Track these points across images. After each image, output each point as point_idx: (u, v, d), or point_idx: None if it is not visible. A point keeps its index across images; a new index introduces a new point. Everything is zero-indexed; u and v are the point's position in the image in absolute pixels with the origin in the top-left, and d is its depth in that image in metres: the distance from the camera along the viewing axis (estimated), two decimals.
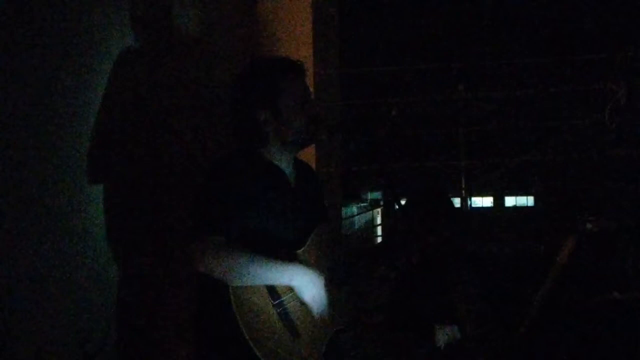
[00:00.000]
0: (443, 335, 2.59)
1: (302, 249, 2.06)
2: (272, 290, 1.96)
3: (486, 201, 25.99)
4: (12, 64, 1.88)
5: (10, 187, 1.87)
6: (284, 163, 2.14)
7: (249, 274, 1.91)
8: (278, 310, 1.95)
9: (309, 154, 2.76)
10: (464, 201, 5.88)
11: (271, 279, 1.95)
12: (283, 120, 2.08)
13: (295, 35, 3.44)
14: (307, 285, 1.97)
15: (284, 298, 1.97)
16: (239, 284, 1.89)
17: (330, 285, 2.05)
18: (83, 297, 2.12)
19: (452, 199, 2.70)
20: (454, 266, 2.55)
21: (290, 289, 1.98)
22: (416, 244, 2.20)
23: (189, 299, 2.10)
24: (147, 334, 2.43)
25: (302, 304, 1.99)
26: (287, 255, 2.02)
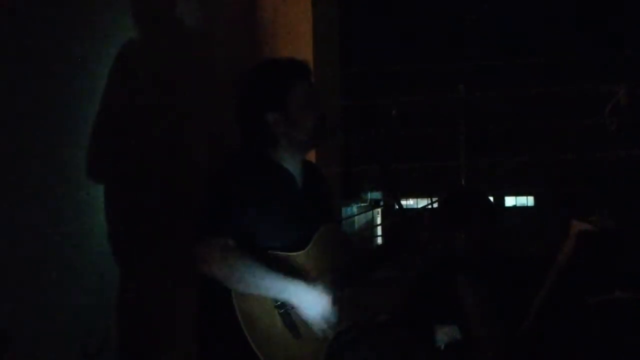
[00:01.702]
0: (443, 335, 2.58)
1: (306, 249, 2.06)
2: None
3: None
4: (12, 62, 1.87)
5: (10, 187, 1.87)
6: (292, 165, 2.13)
7: (251, 284, 1.91)
8: (280, 312, 1.95)
9: (309, 154, 2.75)
10: None
11: (273, 293, 1.94)
12: (293, 121, 2.07)
13: (295, 35, 3.43)
14: (307, 305, 1.97)
15: None
16: (239, 291, 1.89)
17: (334, 290, 2.04)
18: (83, 297, 2.12)
19: (490, 199, 2.66)
20: (475, 269, 2.52)
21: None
22: (440, 243, 2.18)
23: (191, 299, 2.10)
24: (147, 334, 2.43)
25: None
26: (292, 258, 2.02)
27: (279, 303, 1.95)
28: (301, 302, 1.96)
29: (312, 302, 1.97)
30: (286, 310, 1.95)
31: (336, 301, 2.03)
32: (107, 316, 2.23)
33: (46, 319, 1.97)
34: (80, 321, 2.10)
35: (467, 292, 2.48)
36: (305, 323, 1.98)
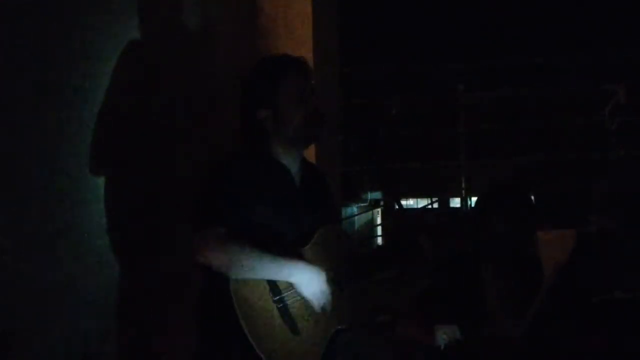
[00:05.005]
0: (443, 335, 2.58)
1: (305, 247, 2.06)
2: (273, 286, 1.96)
3: None
4: (13, 58, 1.88)
5: (10, 188, 1.87)
6: (290, 162, 2.15)
7: (247, 266, 1.92)
8: (279, 307, 1.95)
9: (309, 154, 2.76)
10: (463, 201, 5.88)
11: (270, 273, 1.95)
12: (281, 118, 2.09)
13: (295, 35, 3.44)
14: (306, 282, 1.97)
15: (285, 294, 1.97)
16: (237, 276, 1.90)
17: (333, 285, 2.05)
18: (83, 297, 2.12)
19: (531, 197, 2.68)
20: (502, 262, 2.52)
21: (292, 285, 1.98)
22: (445, 251, 2.19)
23: (190, 297, 2.10)
24: (147, 333, 2.43)
25: (303, 300, 1.99)
26: (291, 251, 2.03)
27: (277, 297, 1.95)
28: (300, 280, 1.96)
29: (310, 279, 1.97)
30: (285, 305, 1.96)
31: (335, 291, 2.03)
32: (106, 317, 2.23)
33: (46, 319, 1.97)
34: (80, 321, 2.10)
35: (492, 284, 2.49)
36: (303, 319, 1.98)
